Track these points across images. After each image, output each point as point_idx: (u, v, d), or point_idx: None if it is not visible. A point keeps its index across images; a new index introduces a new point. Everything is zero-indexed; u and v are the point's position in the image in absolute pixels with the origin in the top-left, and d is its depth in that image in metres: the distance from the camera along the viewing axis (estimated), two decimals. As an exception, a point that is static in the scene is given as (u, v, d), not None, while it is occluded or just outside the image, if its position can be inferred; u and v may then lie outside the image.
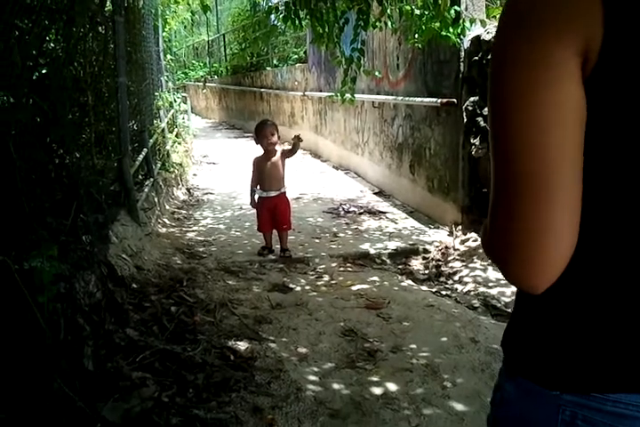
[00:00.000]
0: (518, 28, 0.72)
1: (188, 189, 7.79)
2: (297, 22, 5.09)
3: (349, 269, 4.75)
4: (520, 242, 0.75)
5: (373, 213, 6.41)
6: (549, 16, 0.69)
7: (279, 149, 5.00)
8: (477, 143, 4.96)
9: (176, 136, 8.89)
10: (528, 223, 0.73)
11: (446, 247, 5.08)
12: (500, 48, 0.76)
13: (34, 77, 3.24)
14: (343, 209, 6.53)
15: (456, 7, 4.67)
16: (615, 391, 0.78)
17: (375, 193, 7.45)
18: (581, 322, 0.80)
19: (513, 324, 0.91)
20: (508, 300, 4.03)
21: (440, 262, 4.88)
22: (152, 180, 5.78)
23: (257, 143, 4.93)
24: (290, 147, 4.92)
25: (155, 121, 7.23)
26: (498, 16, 4.74)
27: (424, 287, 4.46)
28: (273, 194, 4.92)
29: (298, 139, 4.85)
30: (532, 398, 0.85)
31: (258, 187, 4.96)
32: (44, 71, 3.42)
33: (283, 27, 6.99)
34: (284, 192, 5.00)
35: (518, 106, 0.72)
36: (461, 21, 4.77)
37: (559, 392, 0.82)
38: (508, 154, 0.74)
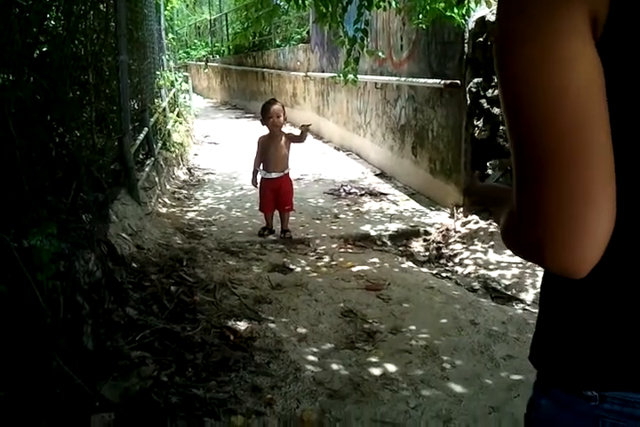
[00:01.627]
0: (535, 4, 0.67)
1: (188, 169, 7.77)
2: (300, 2, 5.04)
3: (350, 250, 4.75)
4: (558, 217, 0.69)
5: (374, 194, 6.39)
6: None
7: (285, 130, 4.97)
8: (480, 125, 4.93)
9: (177, 116, 8.85)
10: (566, 194, 0.67)
11: (447, 229, 5.07)
12: (505, 13, 0.71)
13: (34, 55, 3.21)
14: (344, 190, 6.52)
15: (461, -13, 4.61)
16: None
17: (377, 175, 7.43)
18: (617, 318, 0.76)
19: (540, 333, 0.86)
20: (508, 282, 4.03)
21: (441, 244, 4.88)
22: (153, 159, 5.76)
23: (263, 124, 4.89)
24: (298, 134, 4.88)
25: (156, 100, 7.18)
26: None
27: (424, 269, 4.46)
28: (276, 175, 4.90)
29: (306, 128, 4.83)
30: (570, 411, 0.80)
31: (261, 167, 4.94)
32: (44, 49, 3.40)
33: (286, 6, 6.92)
34: (288, 173, 4.98)
35: (533, 69, 0.67)
36: (466, 2, 4.71)
37: (598, 402, 0.77)
38: (531, 124, 0.68)
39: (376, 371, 2.87)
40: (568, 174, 0.67)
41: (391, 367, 2.91)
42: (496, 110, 4.75)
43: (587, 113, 0.66)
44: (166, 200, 5.86)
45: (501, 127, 4.71)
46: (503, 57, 0.70)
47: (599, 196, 0.68)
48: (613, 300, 0.76)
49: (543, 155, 0.68)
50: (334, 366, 2.91)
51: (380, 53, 6.47)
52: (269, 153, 4.87)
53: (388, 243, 4.97)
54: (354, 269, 4.25)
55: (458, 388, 2.74)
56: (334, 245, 4.79)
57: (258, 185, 5.01)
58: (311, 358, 2.99)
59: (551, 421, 0.84)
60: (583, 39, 0.66)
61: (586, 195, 0.67)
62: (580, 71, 0.66)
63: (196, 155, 8.92)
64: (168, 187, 6.35)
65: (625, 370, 0.76)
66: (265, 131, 4.95)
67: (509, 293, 3.92)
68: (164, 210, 5.49)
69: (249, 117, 13.73)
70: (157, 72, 7.77)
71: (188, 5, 22.95)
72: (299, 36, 13.21)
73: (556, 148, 0.67)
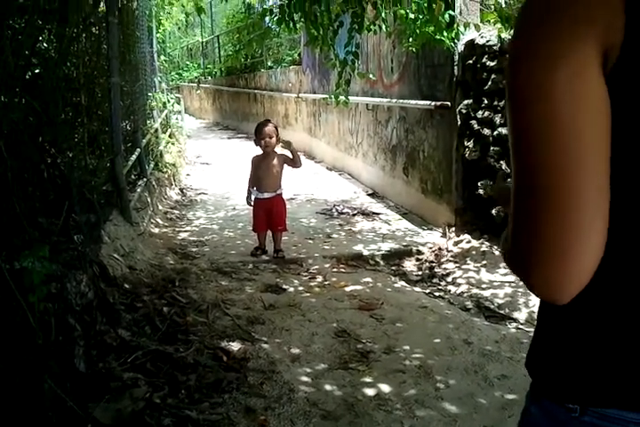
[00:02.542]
0: (538, 25, 0.69)
1: (181, 190, 7.78)
2: (291, 25, 5.08)
3: (343, 270, 4.74)
4: (544, 248, 0.71)
5: (367, 214, 6.41)
6: (570, 13, 0.67)
7: (279, 151, 4.98)
8: (471, 146, 4.97)
9: (169, 136, 8.88)
10: (554, 226, 0.69)
11: (439, 249, 5.08)
12: (518, 46, 0.72)
13: (27, 77, 3.22)
14: (337, 210, 6.53)
15: (450, 11, 4.67)
16: (635, 410, 0.76)
17: (369, 194, 7.46)
18: (602, 339, 0.78)
19: (535, 344, 0.88)
20: (501, 301, 4.03)
21: (433, 264, 4.89)
22: (145, 180, 5.76)
23: (256, 144, 4.92)
24: (290, 155, 4.89)
25: (148, 121, 7.21)
26: (492, 21, 4.77)
27: (417, 289, 4.46)
28: (268, 195, 4.91)
29: (288, 144, 4.84)
30: (554, 420, 0.83)
31: (254, 187, 4.95)
32: (36, 71, 3.41)
33: (277, 29, 6.98)
34: (281, 193, 4.99)
35: (539, 104, 0.68)
36: (455, 25, 4.78)
37: (578, 413, 0.80)
38: (530, 160, 0.70)
39: (370, 391, 2.86)
40: (560, 207, 0.69)
41: (385, 388, 2.89)
42: (486, 131, 4.80)
43: (586, 149, 0.67)
44: (159, 220, 5.86)
45: (492, 148, 4.75)
46: (512, 82, 0.71)
47: (587, 231, 0.69)
48: (600, 322, 0.79)
49: (538, 185, 0.69)
50: (328, 387, 2.90)
51: (371, 75, 6.53)
52: (262, 173, 4.89)
53: (381, 262, 4.97)
54: (347, 289, 4.24)
55: (452, 408, 2.73)
56: (327, 265, 4.79)
57: (252, 204, 5.01)
58: (305, 378, 2.97)
59: None
60: (593, 76, 0.67)
61: (574, 230, 0.69)
62: (588, 108, 0.67)
63: (188, 175, 8.93)
64: (160, 207, 6.35)
65: (606, 388, 0.78)
66: (258, 151, 4.97)
67: (502, 312, 3.92)
68: (156, 230, 5.48)
69: (241, 138, 13.78)
70: (149, 93, 7.80)
71: (180, 28, 23.08)
72: (290, 58, 13.32)
73: (552, 180, 0.68)
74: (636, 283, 0.75)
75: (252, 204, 5.00)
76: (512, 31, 0.75)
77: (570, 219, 0.68)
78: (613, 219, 0.71)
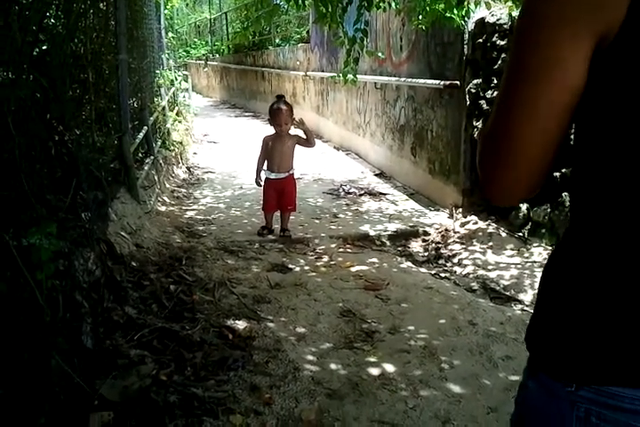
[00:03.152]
0: (538, 12, 0.77)
1: (188, 168, 7.77)
2: (300, 2, 5.03)
3: (349, 250, 4.75)
4: (491, 144, 0.86)
5: (374, 194, 6.40)
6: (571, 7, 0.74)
7: (292, 131, 4.95)
8: (480, 126, 4.93)
9: (177, 114, 8.84)
10: (502, 130, 0.84)
11: (446, 230, 5.08)
12: (519, 28, 0.81)
13: (34, 53, 3.20)
14: (343, 190, 6.52)
15: (461, -12, 4.61)
16: (633, 386, 0.78)
17: (376, 174, 7.43)
18: (599, 315, 0.80)
19: (534, 320, 0.91)
20: (506, 283, 4.04)
21: (439, 245, 4.88)
22: (152, 158, 5.76)
23: (270, 124, 4.87)
24: (304, 137, 4.85)
25: (155, 99, 7.18)
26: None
27: (423, 269, 4.47)
28: (282, 176, 4.88)
29: (301, 123, 4.79)
30: (550, 394, 0.85)
31: (266, 167, 4.92)
32: (44, 47, 3.39)
33: (285, 6, 6.92)
34: (292, 174, 4.97)
35: (532, 49, 0.78)
36: (466, 3, 4.72)
37: (574, 388, 0.82)
38: (511, 78, 0.83)
39: (374, 371, 2.88)
40: (513, 112, 0.82)
41: (390, 367, 2.91)
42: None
43: (543, 93, 0.78)
44: (165, 199, 5.86)
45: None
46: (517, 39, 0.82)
47: (523, 140, 0.82)
48: (595, 301, 0.81)
49: (508, 89, 0.83)
50: (333, 366, 2.91)
51: (380, 54, 6.47)
52: (275, 153, 4.84)
53: (387, 243, 4.97)
54: (353, 269, 4.25)
55: (456, 388, 2.74)
56: (333, 245, 4.80)
57: (261, 184, 4.98)
58: (310, 357, 2.99)
59: (535, 402, 0.89)
60: (577, 58, 0.75)
61: (515, 133, 0.82)
62: (559, 73, 0.77)
63: (195, 153, 8.91)
64: (167, 186, 6.35)
65: (601, 366, 0.80)
66: (269, 130, 4.93)
67: (508, 293, 3.92)
68: (163, 209, 5.49)
69: (248, 116, 13.73)
70: (157, 71, 7.76)
71: (187, 4, 22.93)
72: (298, 36, 13.21)
73: (515, 89, 0.81)
74: (631, 262, 0.77)
75: (263, 183, 4.97)
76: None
77: (520, 117, 0.81)
78: (609, 203, 0.78)
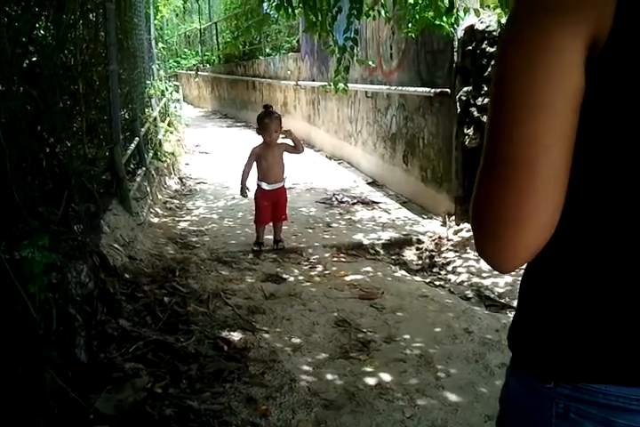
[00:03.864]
0: (527, 14, 0.74)
1: (180, 179, 7.75)
2: (290, 11, 5.05)
3: (343, 259, 4.74)
4: (494, 214, 0.76)
5: (367, 203, 6.39)
6: (558, 3, 0.71)
7: (280, 141, 4.92)
8: (471, 133, 4.94)
9: (168, 125, 8.83)
10: (505, 197, 0.74)
11: (440, 238, 5.08)
12: (508, 31, 0.77)
13: (24, 65, 3.19)
14: (336, 199, 6.52)
15: (450, -4, 4.63)
16: (605, 383, 0.79)
17: (368, 183, 7.44)
18: (572, 314, 0.81)
19: (516, 318, 0.92)
20: (501, 290, 4.03)
21: (433, 253, 4.88)
22: (144, 169, 5.74)
23: (258, 134, 4.84)
24: (292, 144, 4.83)
25: (146, 110, 7.17)
26: (492, 6, 4.73)
27: (417, 278, 4.46)
28: (277, 186, 4.84)
29: (288, 133, 4.76)
30: (531, 391, 0.86)
31: (258, 178, 4.85)
32: (34, 59, 3.38)
33: (275, 15, 6.94)
34: (284, 184, 4.95)
35: (516, 83, 0.73)
36: (455, 11, 4.74)
37: (552, 385, 0.83)
38: (500, 127, 0.76)
39: (371, 380, 2.86)
40: (515, 177, 0.73)
41: (386, 377, 2.90)
42: (486, 119, 4.76)
43: (546, 127, 0.72)
44: (158, 210, 5.84)
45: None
46: (498, 64, 0.77)
47: (539, 204, 0.74)
48: (571, 299, 0.81)
49: (498, 164, 0.75)
50: (329, 376, 2.90)
51: (370, 62, 6.50)
52: (267, 164, 4.78)
53: (381, 252, 4.96)
54: (347, 279, 4.24)
55: (453, 397, 2.73)
56: (327, 255, 4.78)
57: (248, 195, 4.95)
58: (306, 368, 2.97)
59: (517, 399, 0.90)
60: (570, 64, 0.71)
61: (526, 201, 0.73)
62: (556, 98, 0.71)
63: (187, 164, 8.90)
64: (160, 197, 6.33)
65: (578, 364, 0.81)
66: (258, 140, 4.91)
67: (503, 300, 3.92)
68: (155, 220, 5.47)
69: (240, 126, 13.73)
70: (148, 81, 7.75)
71: (177, 15, 22.94)
72: (289, 45, 13.25)
73: (510, 164, 0.73)
74: (609, 262, 0.78)
75: (253, 195, 4.92)
76: None
77: (523, 189, 0.73)
78: (586, 201, 0.76)
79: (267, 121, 4.69)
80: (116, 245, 3.79)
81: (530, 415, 0.87)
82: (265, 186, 4.82)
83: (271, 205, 4.86)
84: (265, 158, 4.77)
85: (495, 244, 0.78)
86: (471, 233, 4.46)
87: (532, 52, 0.71)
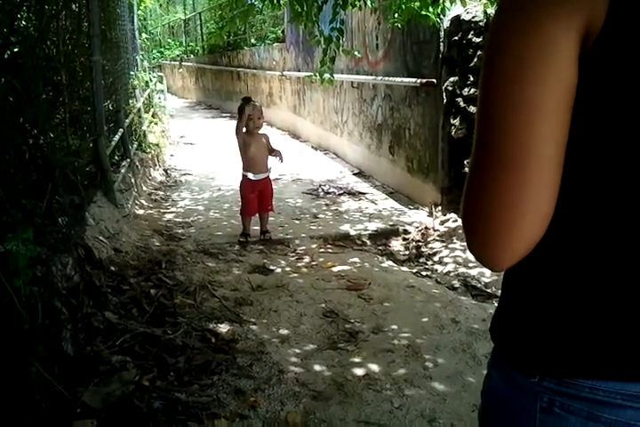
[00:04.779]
0: (518, 5, 0.71)
1: (165, 170, 7.70)
2: (275, 1, 5.01)
3: (330, 250, 4.74)
4: (486, 214, 0.74)
5: (353, 193, 6.39)
6: None
7: (263, 132, 4.92)
8: (457, 124, 4.95)
9: (152, 116, 8.77)
10: (498, 197, 0.73)
11: (426, 228, 5.09)
12: (496, 23, 0.74)
13: (5, 56, 3.15)
14: (323, 190, 6.51)
15: (436, -14, 4.62)
16: (591, 377, 0.78)
17: (355, 174, 7.43)
18: (558, 308, 0.80)
19: (498, 310, 0.91)
20: (487, 280, 4.05)
21: (420, 243, 4.89)
22: (129, 160, 5.69)
23: (239, 123, 4.80)
24: (275, 149, 4.86)
25: (130, 101, 7.11)
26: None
27: (404, 268, 4.47)
28: (263, 176, 4.84)
29: (277, 153, 4.82)
30: (514, 384, 0.85)
31: (244, 169, 4.84)
32: (15, 50, 3.33)
33: (260, 5, 6.89)
34: (269, 174, 4.94)
35: (506, 80, 0.71)
36: (441, 1, 4.73)
37: (537, 379, 0.81)
38: (490, 126, 0.73)
39: (359, 371, 2.87)
40: (505, 180, 0.72)
41: (374, 367, 2.90)
42: (472, 109, 4.77)
43: (537, 128, 0.70)
44: (143, 202, 5.80)
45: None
46: (486, 60, 0.75)
47: (530, 205, 0.72)
48: (554, 292, 0.81)
49: (489, 156, 0.73)
50: (317, 367, 2.90)
51: (356, 53, 6.46)
52: (253, 154, 4.77)
53: (368, 242, 4.96)
54: (334, 270, 4.24)
55: (441, 387, 2.75)
56: (314, 246, 4.78)
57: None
58: (294, 359, 2.98)
59: (498, 391, 0.89)
60: (562, 58, 0.69)
61: (516, 201, 0.72)
62: (549, 91, 0.70)
63: (172, 155, 8.85)
64: (145, 188, 6.29)
65: (562, 358, 0.80)
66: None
67: (489, 290, 3.94)
68: (141, 212, 5.43)
69: (225, 117, 13.66)
70: (132, 72, 7.69)
71: (161, 5, 22.77)
72: (274, 36, 13.17)
73: (503, 155, 0.72)
74: (596, 255, 0.77)
75: (240, 186, 4.88)
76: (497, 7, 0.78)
77: (516, 187, 0.71)
78: (574, 194, 0.75)
79: (246, 107, 4.69)
80: (101, 238, 3.76)
81: (512, 409, 0.86)
82: (251, 176, 4.80)
83: (257, 195, 4.85)
84: (249, 148, 4.76)
85: (490, 245, 0.76)
86: (457, 223, 4.49)
87: (524, 45, 0.69)
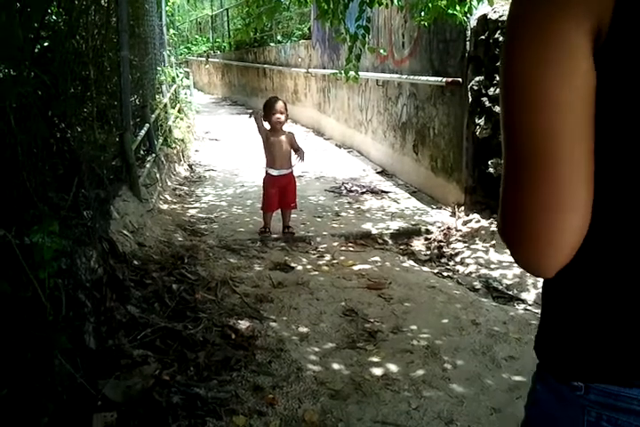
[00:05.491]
0: (530, 5, 0.72)
1: (189, 166, 7.75)
2: (302, -2, 5.01)
3: (351, 248, 4.73)
4: (527, 220, 0.74)
5: (376, 192, 6.38)
6: None
7: (287, 129, 4.94)
8: (482, 123, 4.91)
9: (178, 112, 8.82)
10: (536, 200, 0.73)
11: (448, 228, 5.06)
12: (512, 25, 0.75)
13: (35, 50, 3.18)
14: (345, 188, 6.51)
15: (464, -15, 4.59)
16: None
17: (378, 172, 7.42)
18: (602, 317, 0.79)
19: (541, 324, 0.90)
20: (509, 282, 4.02)
21: (442, 243, 4.87)
22: (154, 155, 5.74)
23: (265, 120, 4.85)
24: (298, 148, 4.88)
25: (157, 96, 7.15)
26: (507, -6, 4.68)
27: (425, 268, 4.45)
28: (285, 172, 4.87)
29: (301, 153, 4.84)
30: (560, 398, 0.84)
31: (267, 165, 4.89)
32: (45, 44, 3.37)
33: (287, 2, 6.89)
34: (293, 170, 4.96)
35: (528, 82, 0.71)
36: (468, 0, 4.70)
37: (583, 392, 0.80)
38: (517, 130, 0.74)
39: (377, 371, 2.87)
40: (540, 183, 0.72)
41: (392, 367, 2.90)
42: (497, 109, 4.73)
43: (565, 126, 0.70)
44: (167, 197, 5.85)
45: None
46: (505, 63, 0.75)
47: (569, 204, 0.72)
48: (599, 297, 0.79)
49: (522, 161, 0.73)
50: (336, 366, 2.91)
51: (382, 51, 6.44)
52: (275, 150, 4.82)
53: (390, 241, 4.95)
54: (355, 268, 4.24)
55: (459, 389, 2.74)
56: (335, 244, 4.78)
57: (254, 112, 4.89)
58: (313, 357, 2.98)
59: (544, 406, 0.88)
60: (581, 55, 0.70)
61: (554, 202, 0.72)
62: (571, 89, 0.70)
63: (197, 151, 8.90)
64: (169, 183, 6.33)
65: (607, 364, 0.79)
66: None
67: (511, 292, 3.91)
68: (165, 207, 5.47)
69: (250, 114, 13.68)
70: (158, 68, 7.73)
71: (189, 1, 22.87)
72: (300, 33, 13.18)
73: (534, 158, 0.72)
74: (636, 260, 0.76)
75: (263, 181, 4.94)
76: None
77: (550, 179, 0.72)
78: (611, 199, 0.74)
79: (270, 102, 4.79)
80: (125, 232, 3.80)
81: (558, 424, 0.85)
82: (272, 171, 4.86)
83: (278, 191, 4.88)
84: (272, 144, 4.81)
85: (534, 250, 0.76)
86: (480, 224, 4.45)
87: (542, 46, 0.70)
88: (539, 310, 3.51)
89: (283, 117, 4.75)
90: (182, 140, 7.91)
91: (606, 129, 0.72)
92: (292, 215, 5.09)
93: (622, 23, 0.67)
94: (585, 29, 0.68)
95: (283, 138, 4.82)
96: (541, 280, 0.89)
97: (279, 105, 4.75)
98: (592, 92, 0.71)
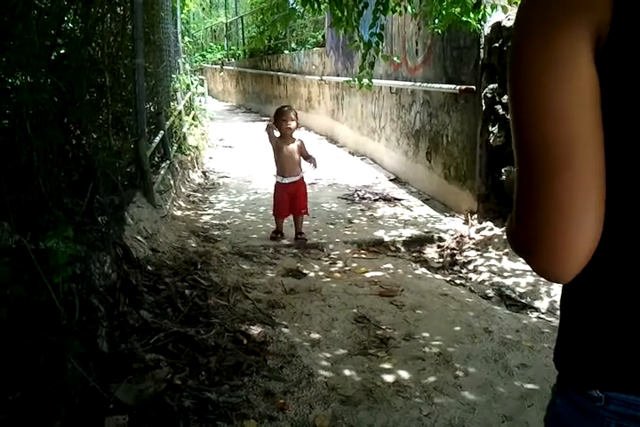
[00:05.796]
0: (534, 12, 0.75)
1: (203, 173, 7.79)
2: (316, 6, 5.04)
3: (363, 255, 4.74)
4: (543, 226, 0.75)
5: (389, 199, 6.38)
6: (565, 5, 0.72)
7: (297, 136, 4.98)
8: (495, 131, 4.91)
9: (193, 119, 8.88)
10: (549, 203, 0.73)
11: (461, 236, 5.05)
12: (517, 34, 0.77)
13: (52, 57, 3.23)
14: (358, 195, 6.51)
15: (477, -8, 4.60)
16: None
17: (391, 180, 7.42)
18: (623, 322, 0.79)
19: (559, 336, 0.90)
20: (522, 290, 4.00)
21: (455, 251, 4.86)
22: (168, 162, 5.78)
23: (273, 128, 4.89)
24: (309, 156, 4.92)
25: (172, 103, 7.21)
26: (519, 2, 4.67)
27: (438, 276, 4.44)
28: (294, 179, 4.90)
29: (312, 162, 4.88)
30: (580, 411, 0.84)
31: (276, 172, 4.94)
32: (62, 51, 3.42)
33: (301, 10, 6.93)
34: (303, 177, 4.99)
35: (534, 87, 0.73)
36: (482, 7, 4.70)
37: (603, 403, 0.80)
38: (526, 134, 0.75)
39: (389, 378, 2.86)
40: (553, 190, 0.73)
41: (404, 374, 2.89)
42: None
43: (573, 129, 0.72)
44: (181, 203, 5.88)
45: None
46: (512, 70, 0.77)
47: (582, 208, 0.73)
48: (618, 307, 0.79)
49: (534, 169, 0.74)
50: (347, 372, 2.90)
51: (395, 58, 6.46)
52: (283, 157, 4.87)
53: (402, 249, 4.95)
54: (367, 275, 4.24)
55: (471, 396, 2.72)
56: (348, 251, 4.79)
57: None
58: (324, 363, 2.98)
59: (564, 418, 0.88)
60: (584, 58, 0.71)
61: (568, 207, 0.73)
62: (577, 95, 0.71)
63: (210, 158, 8.95)
64: (183, 190, 6.37)
65: (627, 373, 0.79)
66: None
67: (524, 301, 3.89)
68: (178, 213, 5.51)
69: (264, 121, 13.74)
70: (173, 75, 7.80)
71: (204, 8, 23.05)
72: (314, 40, 13.24)
73: (546, 165, 0.73)
74: None
75: (274, 188, 4.98)
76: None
77: (563, 184, 0.72)
78: (623, 205, 0.75)
79: (281, 109, 4.87)
80: (139, 237, 3.83)
81: None
82: (280, 179, 4.91)
83: (289, 197, 4.91)
84: (281, 151, 4.85)
85: (548, 251, 0.76)
86: (493, 232, 4.43)
87: (547, 54, 0.72)
88: (552, 319, 3.50)
89: (293, 125, 4.79)
90: (196, 147, 7.96)
91: (613, 133, 0.73)
92: (305, 222, 5.10)
93: (620, 30, 0.69)
94: (586, 37, 0.70)
95: (292, 146, 4.86)
96: (555, 288, 0.89)
97: (289, 113, 4.80)
98: (597, 97, 0.72)
